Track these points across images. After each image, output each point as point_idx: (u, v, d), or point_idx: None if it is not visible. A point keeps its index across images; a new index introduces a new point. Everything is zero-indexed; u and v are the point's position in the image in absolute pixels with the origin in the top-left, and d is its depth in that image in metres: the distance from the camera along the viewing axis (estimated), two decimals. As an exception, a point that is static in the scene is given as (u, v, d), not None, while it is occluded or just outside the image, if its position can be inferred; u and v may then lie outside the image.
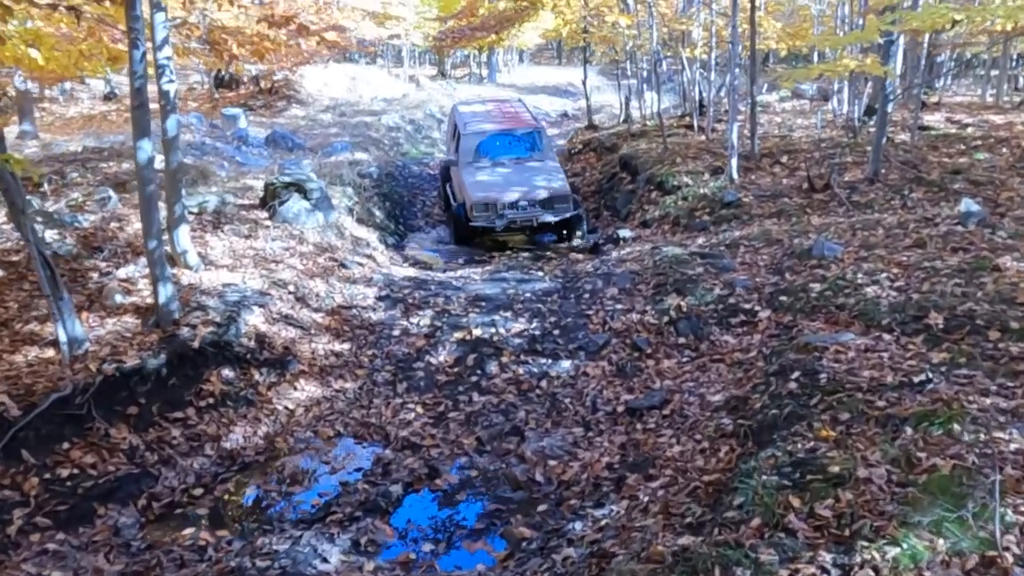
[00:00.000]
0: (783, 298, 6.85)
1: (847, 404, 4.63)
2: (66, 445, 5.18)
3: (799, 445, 4.30)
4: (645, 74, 18.41)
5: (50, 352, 5.89)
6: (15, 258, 7.07)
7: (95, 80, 23.81)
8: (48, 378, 5.47)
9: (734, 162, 10.94)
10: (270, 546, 4.54)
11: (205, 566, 4.35)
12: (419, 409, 6.38)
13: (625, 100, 18.13)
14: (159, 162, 7.58)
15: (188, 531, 4.89)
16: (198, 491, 5.35)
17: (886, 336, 5.67)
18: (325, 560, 4.43)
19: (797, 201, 9.91)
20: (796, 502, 3.67)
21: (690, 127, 15.16)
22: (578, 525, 4.67)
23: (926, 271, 6.58)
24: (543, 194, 11.37)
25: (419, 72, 33.28)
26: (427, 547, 4.70)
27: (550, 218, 11.30)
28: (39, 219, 7.91)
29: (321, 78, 24.54)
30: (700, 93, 15.89)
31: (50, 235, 7.66)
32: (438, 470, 5.54)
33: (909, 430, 4.15)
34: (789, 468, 4.04)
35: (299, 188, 9.74)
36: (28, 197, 8.43)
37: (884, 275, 6.69)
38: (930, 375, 4.83)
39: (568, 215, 11.35)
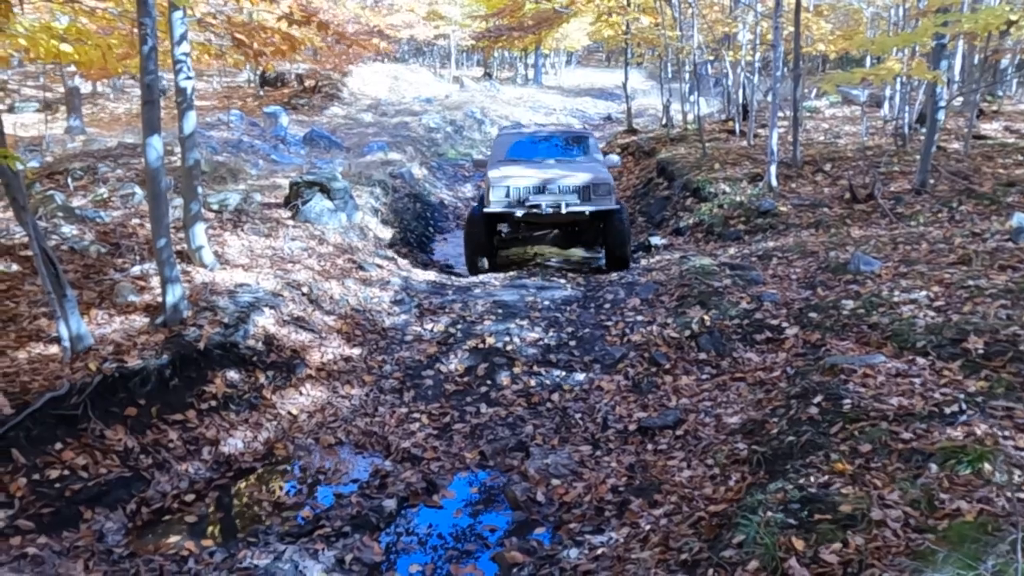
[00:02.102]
0: (813, 315, 6.47)
1: (869, 434, 4.28)
2: (58, 446, 5.08)
3: (812, 478, 3.97)
4: (688, 77, 17.98)
5: (53, 349, 5.83)
6: (28, 253, 7.06)
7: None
8: (46, 376, 5.40)
9: (773, 169, 10.51)
10: (251, 560, 4.37)
11: (182, 579, 4.19)
12: (424, 419, 6.17)
13: (666, 103, 17.72)
14: (176, 159, 7.53)
15: (173, 539, 4.75)
16: (190, 497, 5.21)
17: (920, 360, 5.27)
18: (305, 578, 4.24)
19: (837, 211, 9.47)
20: (800, 545, 3.35)
21: (732, 132, 14.73)
22: (573, 552, 4.40)
23: (969, 290, 6.15)
24: (579, 180, 9.68)
25: (464, 73, 33.26)
26: (415, 568, 4.48)
27: (584, 208, 9.48)
28: (60, 214, 7.93)
29: (364, 78, 24.64)
30: (744, 97, 15.42)
31: (69, 230, 7.66)
32: (436, 485, 5.32)
33: (934, 467, 3.79)
34: (797, 504, 3.71)
35: (323, 188, 9.64)
36: (52, 192, 8.50)
37: (923, 293, 6.27)
38: (964, 406, 4.44)
39: (608, 208, 9.56)
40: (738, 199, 10.48)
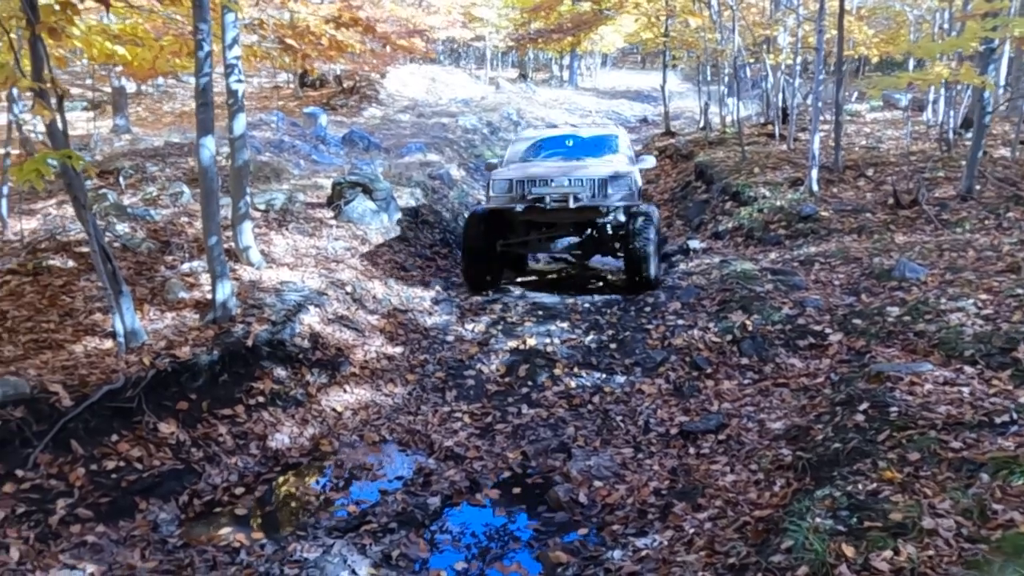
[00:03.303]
0: (857, 321, 6.43)
1: (918, 443, 4.25)
2: (114, 437, 5.24)
3: (860, 486, 3.96)
4: (727, 80, 17.88)
5: (108, 344, 6.01)
6: (85, 249, 7.26)
7: (192, 77, 24.81)
8: (103, 370, 5.56)
9: (814, 174, 10.43)
10: (301, 553, 4.47)
11: (235, 569, 4.30)
12: (466, 419, 6.25)
13: (704, 106, 17.64)
14: (226, 159, 7.69)
15: (225, 531, 4.88)
16: (240, 490, 5.34)
17: (968, 369, 5.22)
18: (354, 572, 4.32)
19: (881, 217, 9.36)
20: (850, 551, 3.35)
21: (771, 136, 14.61)
22: (617, 554, 4.43)
23: (1019, 299, 6.06)
24: (594, 173, 8.37)
25: (500, 74, 33.38)
26: (460, 565, 4.54)
27: (598, 203, 8.21)
28: (113, 213, 8.14)
29: (401, 79, 24.84)
30: (784, 100, 15.30)
31: (121, 228, 7.87)
32: (479, 484, 5.39)
33: (986, 477, 3.77)
34: (846, 511, 3.71)
35: (365, 188, 9.77)
36: (105, 191, 8.73)
37: (971, 301, 6.20)
38: (1015, 415, 4.40)
39: (630, 204, 8.33)
40: (778, 203, 10.41)
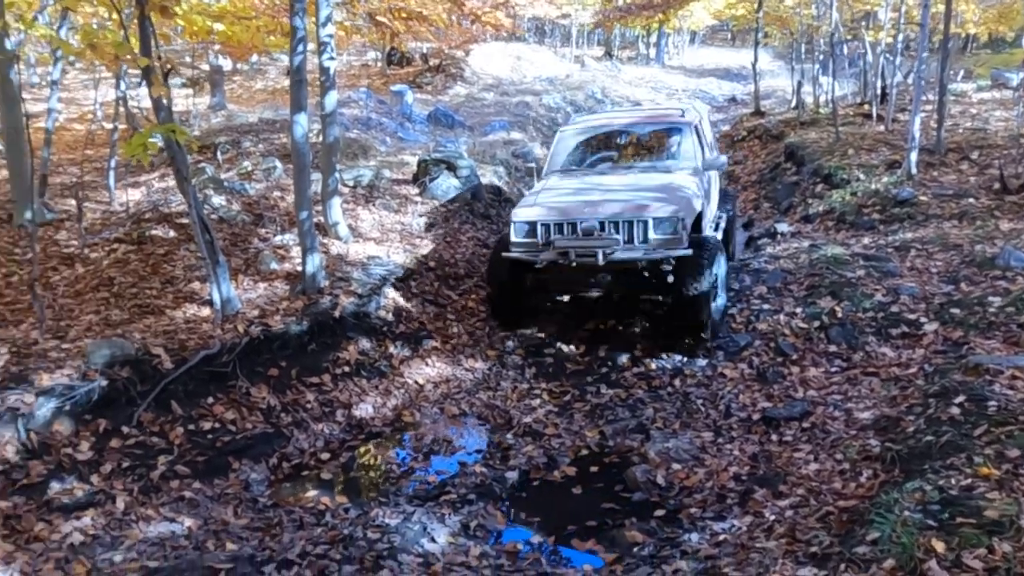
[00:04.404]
0: (955, 311, 6.15)
1: (1018, 439, 4.06)
2: (210, 400, 5.51)
3: (953, 480, 3.81)
4: (822, 58, 17.21)
5: (205, 311, 6.29)
6: (185, 220, 7.60)
7: (284, 55, 25.49)
8: (200, 336, 5.84)
9: (913, 156, 9.97)
10: (382, 519, 4.61)
11: (321, 530, 4.47)
12: (545, 396, 6.29)
13: (797, 85, 17.04)
14: (317, 136, 7.90)
15: (311, 494, 5.09)
16: (325, 455, 5.55)
17: (1077, 364, 4.94)
18: (433, 540, 4.44)
19: (984, 203, 8.89)
20: (940, 547, 3.24)
21: (868, 116, 14.02)
22: (695, 537, 4.41)
23: None
24: (631, 210, 6.48)
25: (585, 52, 33.03)
26: (536, 539, 4.60)
27: (633, 254, 6.42)
28: (211, 186, 8.48)
29: (486, 57, 24.87)
30: (883, 79, 14.64)
31: (218, 201, 8.20)
32: (556, 461, 5.43)
33: (1092, 478, 3.57)
34: (937, 506, 3.58)
35: (449, 165, 9.88)
36: (204, 165, 9.09)
37: (1082, 293, 5.85)
38: None
39: (675, 254, 6.38)
40: (873, 187, 10.00)
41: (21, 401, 4.60)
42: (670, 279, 6.44)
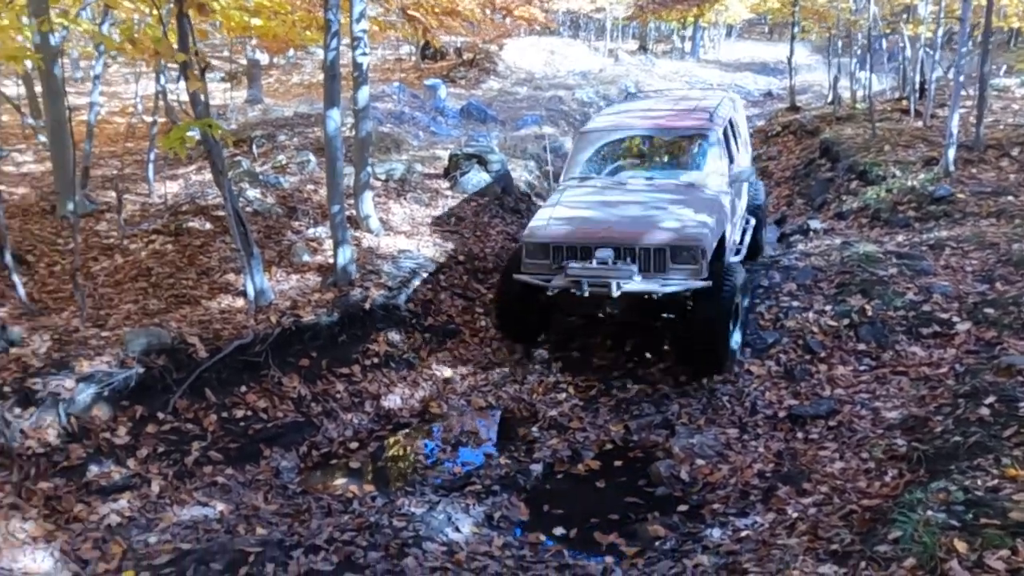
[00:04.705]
0: (989, 311, 6.06)
1: (1048, 441, 4.02)
2: (243, 388, 5.65)
3: (979, 481, 3.79)
4: (860, 52, 16.95)
5: (240, 302, 6.43)
6: (221, 213, 7.75)
7: (319, 49, 25.78)
8: (234, 326, 5.98)
9: (951, 153, 9.80)
10: (408, 508, 4.70)
11: (348, 517, 4.57)
12: (571, 390, 6.33)
13: (833, 80, 16.80)
14: (350, 130, 8.01)
15: (339, 482, 5.20)
16: (354, 445, 5.66)
17: (1112, 367, 4.85)
18: (457, 530, 4.52)
19: (1024, 201, 8.72)
20: (962, 547, 3.23)
21: (906, 112, 13.78)
22: (716, 532, 4.43)
23: None
24: (646, 237, 6.08)
25: (620, 46, 32.86)
26: (558, 531, 4.66)
27: (650, 287, 5.95)
28: (246, 179, 8.64)
29: (520, 51, 24.88)
30: (922, 74, 14.38)
31: (253, 194, 8.35)
32: (581, 455, 5.48)
33: (1123, 482, 3.53)
34: (962, 507, 3.56)
35: (480, 160, 9.95)
36: (239, 158, 9.26)
37: (1121, 294, 5.73)
38: None
39: (694, 287, 5.98)
40: (909, 184, 9.84)
41: (62, 386, 4.77)
42: (688, 304, 6.17)
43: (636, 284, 5.93)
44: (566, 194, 7.03)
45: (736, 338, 6.28)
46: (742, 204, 7.97)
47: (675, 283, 5.98)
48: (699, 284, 5.97)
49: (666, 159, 7.49)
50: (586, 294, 5.97)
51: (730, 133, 7.72)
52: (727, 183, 7.02)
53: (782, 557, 3.74)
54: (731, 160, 7.39)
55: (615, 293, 5.87)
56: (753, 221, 8.32)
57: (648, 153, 7.62)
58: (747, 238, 7.90)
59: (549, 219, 6.50)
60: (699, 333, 6.01)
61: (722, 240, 6.54)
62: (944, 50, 13.66)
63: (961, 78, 10.35)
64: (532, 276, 6.28)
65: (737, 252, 7.43)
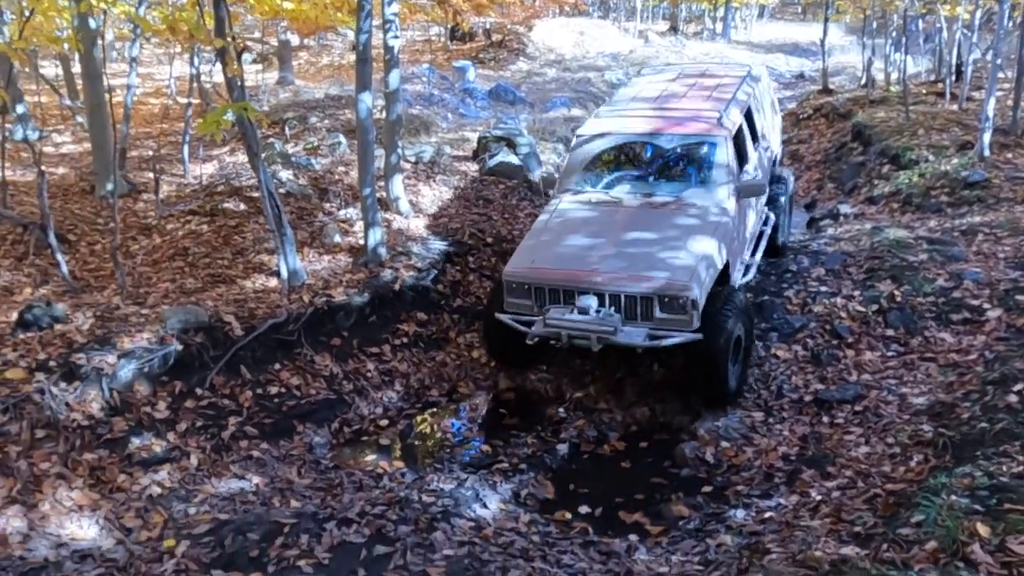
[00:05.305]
0: (1020, 297, 6.02)
1: (1075, 429, 4.02)
2: (277, 366, 5.79)
3: (1004, 467, 3.81)
4: (895, 34, 16.66)
5: (273, 282, 6.57)
6: (255, 194, 7.89)
7: (349, 31, 25.84)
8: (268, 305, 6.12)
9: (987, 137, 9.65)
10: (437, 484, 4.82)
11: (378, 492, 4.69)
12: (597, 372, 6.39)
13: (867, 62, 16.54)
14: (380, 112, 8.09)
15: (370, 458, 5.34)
16: (384, 422, 5.79)
17: None
18: (485, 506, 4.63)
19: (1061, 186, 8.59)
20: (985, 531, 3.27)
21: (941, 94, 13.55)
22: (740, 513, 4.50)
23: None
24: (640, 286, 5.46)
25: (650, 27, 32.51)
26: (584, 509, 4.76)
27: (633, 340, 5.39)
28: (279, 161, 8.77)
29: (549, 32, 24.74)
30: (959, 56, 14.11)
31: (286, 176, 8.48)
32: (607, 436, 5.57)
33: None
34: (986, 492, 3.59)
35: (509, 142, 9.99)
36: (272, 140, 9.39)
37: None
38: None
39: (682, 340, 5.40)
40: (942, 168, 9.72)
41: (105, 361, 4.93)
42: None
43: (619, 336, 5.36)
44: (555, 217, 6.42)
45: (736, 370, 5.69)
46: (752, 217, 7.00)
47: (663, 333, 5.42)
48: (689, 336, 5.39)
49: (668, 171, 6.68)
50: (566, 345, 5.56)
51: (745, 130, 7.00)
52: (735, 194, 6.31)
53: (804, 538, 3.80)
54: (745, 161, 6.81)
55: (595, 348, 5.43)
56: (773, 219, 7.60)
57: (649, 162, 6.82)
58: (761, 246, 7.23)
59: (533, 250, 5.99)
60: (695, 373, 5.60)
61: (726, 266, 5.98)
62: (982, 31, 13.39)
63: (999, 60, 10.16)
64: (514, 316, 5.80)
65: (747, 271, 6.81)
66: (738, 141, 6.74)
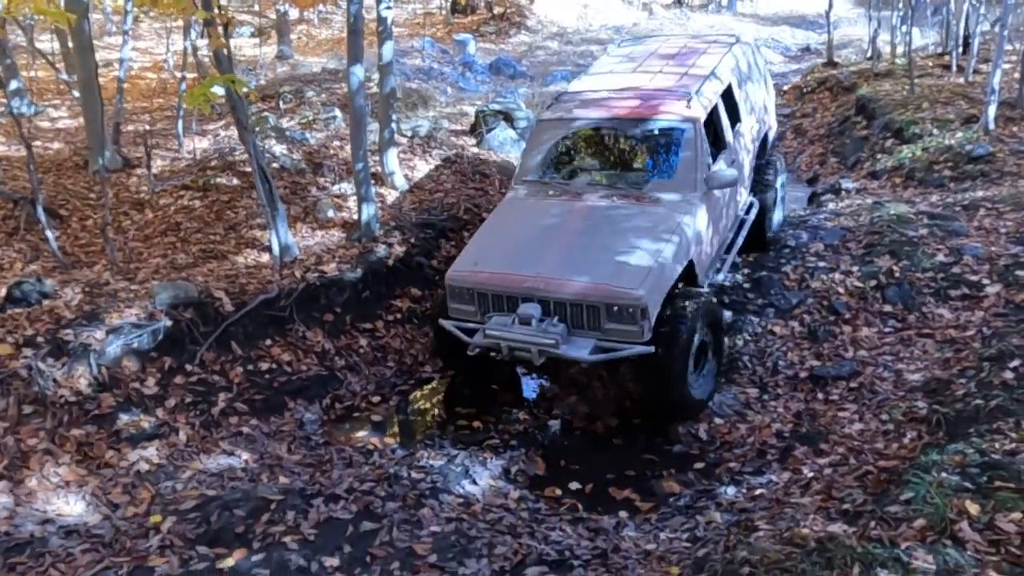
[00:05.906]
0: (1020, 273, 5.94)
1: (1071, 405, 3.96)
2: (268, 342, 5.76)
3: (997, 445, 3.76)
4: (903, 5, 16.38)
5: (265, 257, 6.53)
6: (248, 169, 7.81)
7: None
8: (259, 280, 6.07)
9: (992, 110, 9.50)
10: (427, 460, 4.79)
11: (368, 468, 4.67)
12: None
13: (873, 34, 16.29)
14: (376, 86, 7.98)
15: (361, 434, 5.32)
16: (376, 399, 5.76)
17: None
18: (474, 482, 4.61)
19: (1066, 160, 8.46)
20: (974, 509, 3.22)
21: (947, 67, 13.34)
22: (731, 490, 4.47)
23: None
24: (586, 292, 5.00)
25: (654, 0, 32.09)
26: (574, 485, 4.73)
27: (578, 353, 4.96)
28: (273, 135, 8.69)
29: (551, 5, 24.42)
30: (966, 28, 13.87)
31: (280, 150, 8.40)
32: (599, 413, 5.52)
33: None
34: (977, 469, 3.54)
35: (507, 116, 9.88)
36: (267, 114, 9.30)
37: None
38: None
39: (632, 353, 4.97)
40: (946, 142, 9.58)
41: (93, 337, 4.90)
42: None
43: (562, 349, 4.92)
44: (506, 212, 6.03)
45: (703, 383, 5.36)
46: (728, 209, 6.44)
47: (610, 345, 4.99)
48: (639, 350, 4.93)
49: (631, 160, 6.24)
50: (507, 358, 5.25)
51: (721, 110, 6.41)
52: (703, 189, 5.79)
53: (793, 515, 3.77)
54: (723, 145, 6.35)
55: (537, 361, 5.05)
56: (757, 206, 7.09)
57: (611, 150, 6.34)
58: (739, 240, 6.77)
59: (476, 256, 5.50)
60: (649, 387, 5.19)
61: (691, 265, 5.53)
62: (991, 3, 13.15)
63: (1006, 32, 9.97)
64: (458, 323, 5.37)
65: (719, 268, 6.44)
66: (713, 123, 6.26)
